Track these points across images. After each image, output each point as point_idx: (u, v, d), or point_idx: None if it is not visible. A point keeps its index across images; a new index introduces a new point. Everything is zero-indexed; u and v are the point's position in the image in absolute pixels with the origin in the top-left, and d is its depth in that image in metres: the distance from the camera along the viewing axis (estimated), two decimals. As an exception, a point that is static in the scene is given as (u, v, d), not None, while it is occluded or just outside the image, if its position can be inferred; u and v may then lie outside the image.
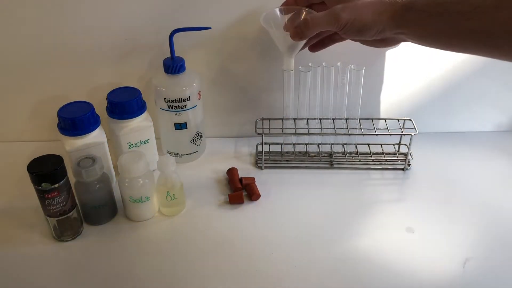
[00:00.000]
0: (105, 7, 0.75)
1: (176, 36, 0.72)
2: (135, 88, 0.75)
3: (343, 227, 0.69)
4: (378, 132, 0.78)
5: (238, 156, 0.85)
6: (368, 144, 0.84)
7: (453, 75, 0.83)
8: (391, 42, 0.65)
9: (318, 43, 0.72)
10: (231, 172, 0.78)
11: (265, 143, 0.81)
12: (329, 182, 0.78)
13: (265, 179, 0.78)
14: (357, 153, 0.83)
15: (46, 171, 0.60)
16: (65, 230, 0.66)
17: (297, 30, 0.63)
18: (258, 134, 0.78)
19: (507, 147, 0.86)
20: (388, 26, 0.58)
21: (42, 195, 0.62)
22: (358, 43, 0.67)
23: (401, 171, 0.80)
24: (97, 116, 0.72)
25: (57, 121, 0.70)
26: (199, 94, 0.77)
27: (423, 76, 0.83)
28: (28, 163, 0.61)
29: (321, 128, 0.79)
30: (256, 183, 0.76)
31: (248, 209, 0.72)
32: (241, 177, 0.77)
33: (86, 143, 0.70)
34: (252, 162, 0.83)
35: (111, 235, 0.68)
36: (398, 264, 0.63)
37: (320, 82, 0.76)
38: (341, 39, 0.69)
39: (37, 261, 0.64)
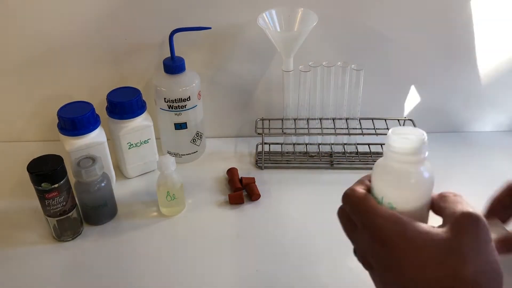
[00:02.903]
0: (105, 7, 0.75)
1: (176, 36, 0.72)
2: (135, 88, 0.75)
3: (343, 227, 0.69)
4: (378, 132, 0.78)
5: (238, 156, 0.84)
6: (368, 144, 0.84)
7: (453, 75, 0.83)
8: None
9: None
10: (231, 172, 0.78)
11: (265, 143, 0.81)
12: (329, 182, 0.78)
13: (265, 179, 0.78)
14: (357, 153, 0.83)
15: (46, 171, 0.60)
16: (65, 230, 0.66)
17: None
18: (258, 134, 0.78)
19: (507, 147, 0.86)
20: None
21: (42, 195, 0.62)
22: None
23: (401, 171, 0.80)
24: (97, 116, 0.72)
25: (57, 121, 0.70)
26: (199, 94, 0.77)
27: (424, 76, 0.83)
28: (28, 163, 0.61)
29: (321, 128, 0.79)
30: (256, 183, 0.75)
31: (248, 209, 0.72)
32: (241, 177, 0.77)
33: (86, 143, 0.70)
34: (252, 162, 0.83)
35: (111, 235, 0.68)
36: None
37: (320, 82, 0.76)
38: None
39: (37, 261, 0.64)
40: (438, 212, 0.39)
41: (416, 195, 0.38)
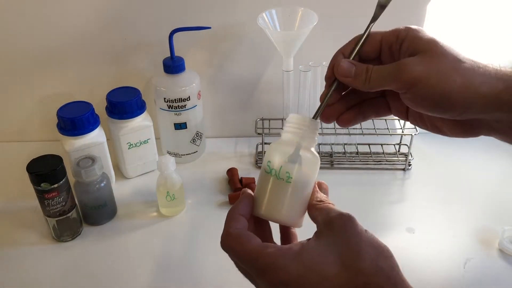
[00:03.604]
0: (105, 7, 0.74)
1: (176, 36, 0.72)
2: (134, 88, 0.75)
3: (343, 227, 0.69)
4: (378, 132, 0.78)
5: (238, 156, 0.84)
6: (369, 144, 0.84)
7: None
8: (468, 130, 0.45)
9: (354, 111, 0.46)
10: (231, 172, 0.77)
11: (265, 143, 0.81)
12: (329, 182, 0.78)
13: (265, 179, 0.78)
14: (357, 153, 0.83)
15: (45, 171, 0.60)
16: (64, 231, 0.66)
17: (348, 70, 0.44)
18: (258, 134, 0.78)
19: (507, 147, 0.85)
20: (485, 105, 0.39)
21: (41, 195, 0.62)
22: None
23: (402, 171, 0.80)
24: (97, 116, 0.72)
25: (56, 121, 0.70)
26: (199, 94, 0.77)
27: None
28: (28, 163, 0.61)
29: (321, 128, 0.79)
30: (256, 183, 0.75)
31: (248, 209, 0.72)
32: (241, 177, 0.76)
33: (85, 143, 0.70)
34: (252, 162, 0.83)
35: (110, 235, 0.68)
36: (398, 264, 0.62)
37: (320, 82, 0.76)
38: (397, 108, 0.46)
39: (36, 261, 0.64)
40: (312, 218, 0.42)
41: (308, 168, 0.43)
